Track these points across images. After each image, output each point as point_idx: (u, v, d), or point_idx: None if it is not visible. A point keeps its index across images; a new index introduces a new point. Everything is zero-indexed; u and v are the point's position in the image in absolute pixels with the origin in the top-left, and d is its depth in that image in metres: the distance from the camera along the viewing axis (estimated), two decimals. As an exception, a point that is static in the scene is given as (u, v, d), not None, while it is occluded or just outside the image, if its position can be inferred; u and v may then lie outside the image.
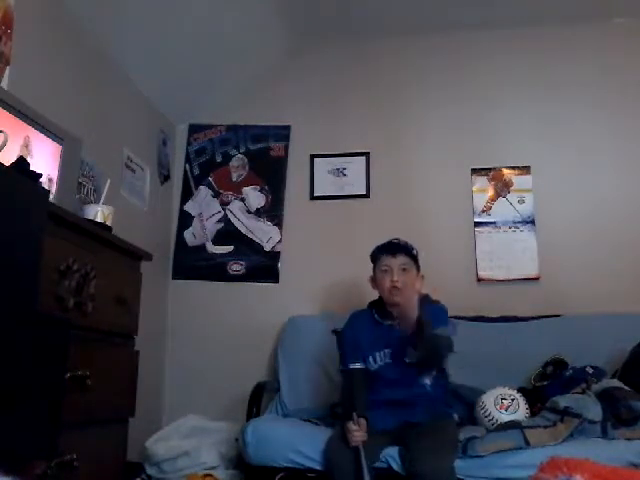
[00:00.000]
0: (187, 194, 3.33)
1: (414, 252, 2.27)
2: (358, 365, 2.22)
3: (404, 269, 2.22)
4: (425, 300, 2.21)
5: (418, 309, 1.94)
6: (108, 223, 1.96)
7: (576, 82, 3.17)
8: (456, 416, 2.24)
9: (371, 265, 2.38)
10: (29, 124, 1.78)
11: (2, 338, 1.13)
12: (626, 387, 2.22)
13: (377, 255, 2.29)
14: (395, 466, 1.99)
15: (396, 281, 2.19)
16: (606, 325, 2.68)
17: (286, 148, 3.33)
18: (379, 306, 2.29)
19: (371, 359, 2.21)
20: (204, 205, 3.30)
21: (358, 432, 1.96)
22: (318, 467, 2.03)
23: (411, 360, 2.08)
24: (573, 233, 3.01)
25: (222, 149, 3.36)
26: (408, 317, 1.96)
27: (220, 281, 3.18)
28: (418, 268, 2.28)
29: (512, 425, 2.08)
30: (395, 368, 2.17)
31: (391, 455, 2.01)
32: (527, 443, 1.96)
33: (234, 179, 3.32)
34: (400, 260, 2.22)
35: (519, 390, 2.35)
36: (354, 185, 3.23)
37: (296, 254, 3.17)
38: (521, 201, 3.09)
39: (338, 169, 3.26)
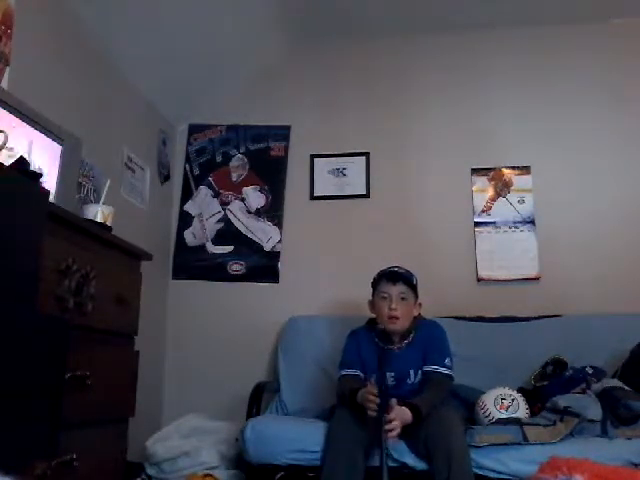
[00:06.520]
0: (187, 194, 3.33)
1: (414, 281, 2.28)
2: (358, 373, 2.27)
3: (402, 298, 2.24)
4: (420, 323, 2.32)
5: (406, 412, 1.96)
6: (108, 223, 1.96)
7: (576, 82, 3.18)
8: None
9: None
10: (29, 124, 1.78)
11: (2, 338, 1.13)
12: (626, 387, 2.23)
13: (377, 281, 2.30)
14: (395, 455, 1.99)
15: (394, 309, 2.21)
16: (606, 325, 2.68)
17: (286, 148, 3.32)
18: (377, 329, 2.29)
19: (374, 380, 2.21)
20: (204, 205, 3.30)
21: (376, 398, 1.95)
22: (319, 462, 2.02)
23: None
24: (573, 233, 3.01)
25: (222, 149, 3.36)
26: (406, 423, 1.96)
27: (220, 281, 3.18)
28: (416, 296, 2.30)
29: (512, 421, 2.08)
30: (398, 390, 2.18)
31: (396, 448, 2.01)
32: (525, 439, 1.97)
33: (234, 179, 3.32)
34: (399, 288, 2.24)
35: (519, 390, 2.35)
36: (354, 185, 3.23)
37: (296, 254, 3.17)
38: (521, 201, 3.09)
39: (338, 169, 3.26)
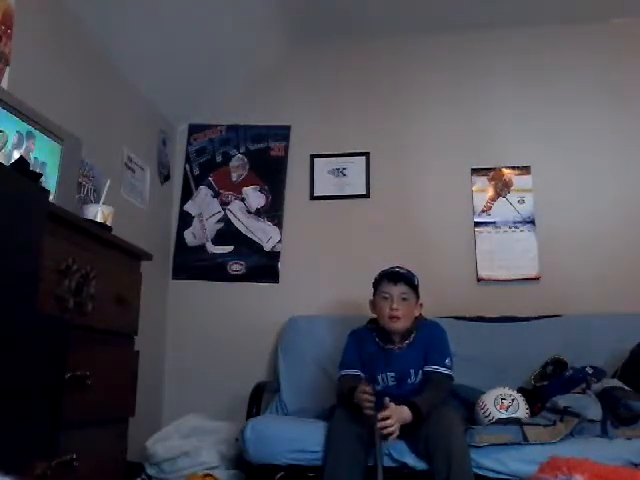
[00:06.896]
0: (187, 194, 3.33)
1: (415, 282, 2.29)
2: (358, 373, 2.27)
3: (404, 298, 2.24)
4: (421, 323, 2.32)
5: (404, 411, 1.97)
6: (108, 223, 1.96)
7: (576, 82, 3.18)
8: None
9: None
10: (29, 124, 1.78)
11: (2, 338, 1.13)
12: (626, 387, 2.23)
13: (378, 281, 2.30)
14: (395, 455, 2.00)
15: (396, 309, 2.21)
16: (606, 325, 2.68)
17: (286, 148, 3.32)
18: (378, 329, 2.30)
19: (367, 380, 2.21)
20: (204, 205, 3.30)
21: (371, 396, 1.96)
22: (319, 463, 2.02)
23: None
24: (573, 233, 3.01)
25: (222, 149, 3.36)
26: (404, 422, 1.97)
27: (220, 281, 3.18)
28: (418, 296, 2.30)
29: (512, 421, 2.09)
30: (398, 389, 2.19)
31: (396, 448, 2.01)
32: (525, 439, 1.97)
33: (234, 179, 3.32)
34: (401, 289, 2.25)
35: (519, 390, 2.35)
36: (354, 185, 3.23)
37: (296, 254, 3.17)
38: (521, 201, 3.09)
39: (338, 169, 3.26)
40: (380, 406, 1.97)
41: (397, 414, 1.95)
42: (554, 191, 3.08)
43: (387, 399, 1.98)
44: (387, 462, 1.98)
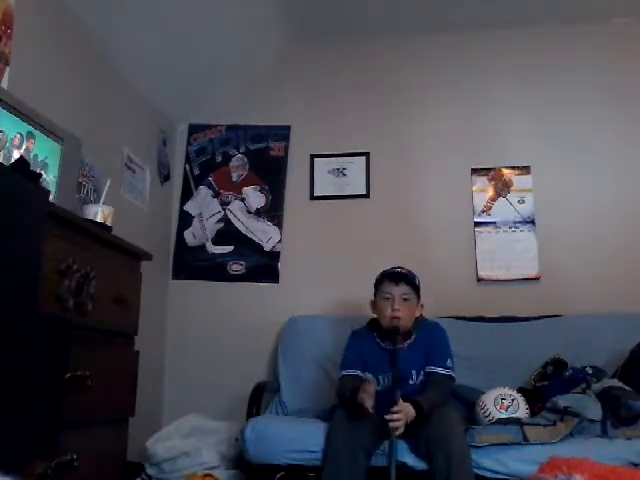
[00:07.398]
0: (187, 194, 3.33)
1: (417, 282, 2.28)
2: (359, 373, 2.26)
3: (405, 299, 2.24)
4: (421, 324, 2.31)
5: (409, 408, 1.97)
6: (108, 223, 1.97)
7: (576, 82, 3.18)
8: None
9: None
10: (29, 124, 1.78)
11: (2, 338, 1.13)
12: (626, 387, 2.23)
13: (380, 281, 2.30)
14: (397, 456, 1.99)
15: (397, 310, 2.21)
16: (606, 325, 2.68)
17: (286, 148, 3.32)
18: (379, 329, 2.30)
19: (374, 380, 2.21)
20: (204, 205, 3.30)
21: (370, 397, 1.96)
22: (319, 463, 2.02)
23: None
24: (573, 233, 3.01)
25: (222, 149, 3.36)
26: (411, 419, 1.97)
27: (220, 281, 3.18)
28: (419, 297, 2.29)
29: (512, 421, 2.09)
30: (400, 390, 2.16)
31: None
32: (525, 439, 1.97)
33: (234, 179, 3.32)
34: (402, 289, 2.24)
35: (519, 390, 2.35)
36: (354, 185, 3.23)
37: (296, 254, 3.17)
38: (521, 201, 3.09)
39: (338, 169, 3.26)
40: (382, 406, 1.97)
41: (405, 411, 1.95)
42: (554, 191, 3.08)
43: (398, 392, 1.98)
44: (387, 462, 1.98)
